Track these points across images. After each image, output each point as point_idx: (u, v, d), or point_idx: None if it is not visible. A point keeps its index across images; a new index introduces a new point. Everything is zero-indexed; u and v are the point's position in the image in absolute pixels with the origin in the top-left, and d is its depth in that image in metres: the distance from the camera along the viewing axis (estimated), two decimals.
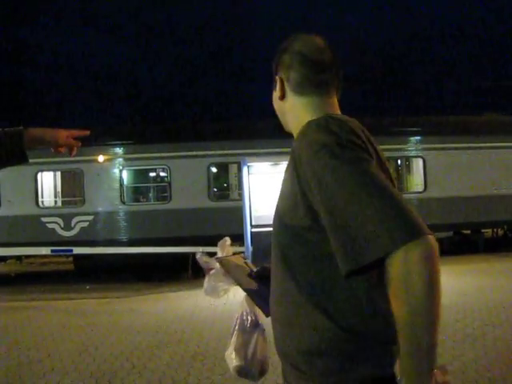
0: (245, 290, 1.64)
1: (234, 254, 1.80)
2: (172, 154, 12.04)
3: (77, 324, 7.34)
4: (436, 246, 1.08)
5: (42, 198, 12.69)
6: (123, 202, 12.15)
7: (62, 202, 13.28)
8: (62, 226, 11.98)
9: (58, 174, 13.09)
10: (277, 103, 1.49)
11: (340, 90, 1.46)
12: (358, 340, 1.18)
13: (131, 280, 11.36)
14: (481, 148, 12.71)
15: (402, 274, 1.06)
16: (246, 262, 1.79)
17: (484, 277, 9.57)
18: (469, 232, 13.52)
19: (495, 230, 14.77)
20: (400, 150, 12.57)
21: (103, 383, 4.71)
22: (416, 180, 13.32)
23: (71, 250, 11.46)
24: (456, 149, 12.64)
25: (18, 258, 13.70)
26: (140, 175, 13.54)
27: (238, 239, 11.48)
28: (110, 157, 12.14)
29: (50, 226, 12.08)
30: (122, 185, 12.18)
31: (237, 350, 1.60)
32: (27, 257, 13.94)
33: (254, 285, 1.64)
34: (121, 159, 12.20)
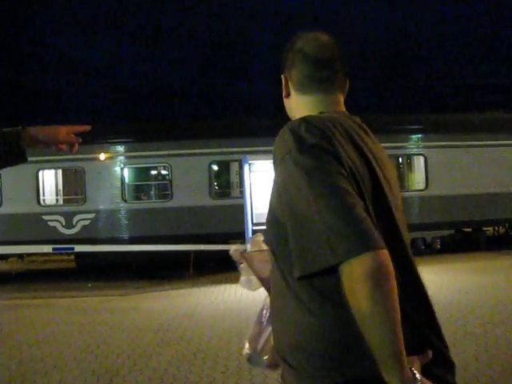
0: (264, 284, 1.68)
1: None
2: (173, 152, 12.05)
3: (78, 322, 7.35)
4: (385, 261, 1.07)
5: (44, 196, 12.70)
6: (124, 200, 12.17)
7: (64, 200, 13.30)
8: (64, 224, 12.00)
9: (60, 172, 13.11)
10: (284, 101, 1.50)
11: (346, 86, 1.45)
12: (343, 341, 1.17)
13: (133, 278, 11.38)
14: (483, 146, 12.70)
15: (347, 288, 1.08)
16: None
17: (485, 275, 9.56)
18: (470, 230, 13.51)
19: (496, 227, 14.76)
20: (401, 147, 12.56)
21: (105, 381, 4.72)
22: (417, 178, 13.32)
23: (72, 248, 11.47)
24: (458, 146, 12.63)
25: (20, 256, 13.73)
26: (141, 173, 13.56)
27: (239, 237, 11.49)
28: (111, 155, 12.15)
29: (51, 224, 12.09)
30: (123, 183, 12.19)
31: (250, 340, 1.69)
32: (29, 255, 13.98)
33: None
34: (122, 157, 12.21)
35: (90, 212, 12.00)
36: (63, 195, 13.35)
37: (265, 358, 1.67)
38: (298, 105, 1.43)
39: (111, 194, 12.08)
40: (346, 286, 1.08)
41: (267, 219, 1.33)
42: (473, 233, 13.42)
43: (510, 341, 5.41)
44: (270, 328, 1.69)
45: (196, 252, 11.41)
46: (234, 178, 13.13)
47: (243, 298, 8.53)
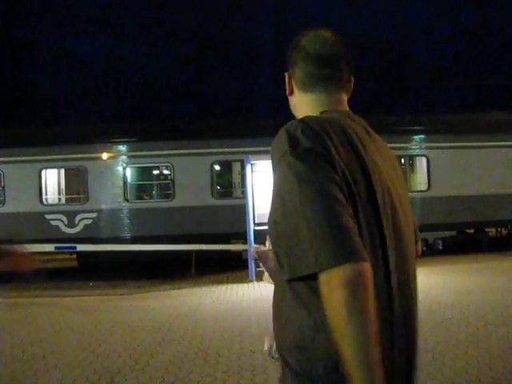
0: (274, 281, 1.70)
1: None
2: (175, 152, 12.07)
3: (80, 321, 7.36)
4: (364, 273, 1.07)
5: (46, 195, 12.72)
6: (127, 200, 12.18)
7: (66, 199, 13.32)
8: (66, 223, 12.02)
9: (62, 171, 13.13)
10: (289, 99, 1.49)
11: (350, 85, 1.44)
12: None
13: (134, 277, 11.38)
14: (485, 147, 12.68)
15: (324, 296, 1.09)
16: None
17: (488, 276, 9.55)
18: (472, 231, 13.49)
19: (499, 229, 14.74)
20: (403, 148, 12.54)
21: (106, 380, 4.73)
22: (419, 179, 13.30)
23: (75, 247, 11.49)
24: (460, 147, 12.61)
25: None
26: (143, 173, 13.57)
27: (241, 237, 11.49)
28: (113, 154, 12.17)
29: (53, 223, 12.12)
30: (125, 182, 12.21)
31: (268, 335, 1.75)
32: (31, 254, 13.99)
33: None
34: (124, 157, 12.23)
35: (92, 211, 12.01)
36: (66, 194, 13.37)
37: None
38: (301, 103, 1.43)
39: (113, 194, 12.10)
40: (323, 294, 1.09)
41: (268, 219, 1.33)
42: (475, 234, 13.40)
43: (511, 342, 5.40)
44: None
45: (198, 252, 11.41)
46: (236, 178, 13.15)
47: (244, 298, 8.54)
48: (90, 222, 12.00)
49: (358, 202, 1.18)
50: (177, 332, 6.37)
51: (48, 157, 12.31)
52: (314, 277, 1.12)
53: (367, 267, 1.08)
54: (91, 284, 10.98)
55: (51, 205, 12.71)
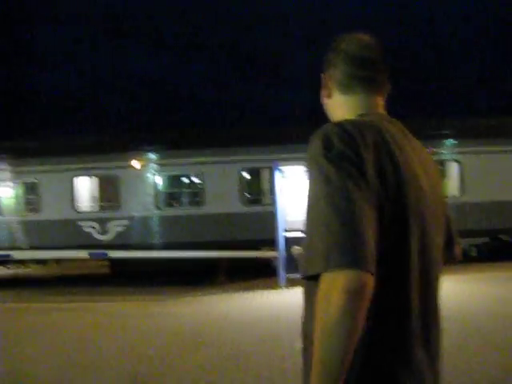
0: None
1: None
2: (205, 160, 12.21)
3: (112, 326, 7.49)
4: (367, 285, 1.07)
5: (79, 202, 13.01)
6: (158, 207, 12.37)
7: (99, 207, 13.59)
8: (98, 230, 12.27)
9: (95, 179, 13.42)
10: (325, 101, 1.50)
11: (387, 88, 1.45)
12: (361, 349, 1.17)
13: (165, 283, 11.51)
14: None
15: (321, 296, 1.08)
16: None
17: None
18: (507, 237, 13.16)
19: None
20: (435, 153, 12.36)
21: (139, 383, 4.80)
22: (452, 184, 13.07)
23: (106, 254, 11.70)
24: (493, 152, 12.36)
25: (57, 260, 14.09)
26: (174, 180, 13.75)
27: (270, 244, 11.51)
28: (144, 162, 12.39)
29: (86, 229, 12.38)
30: (156, 190, 12.40)
31: (301, 337, 1.76)
32: (64, 260, 14.31)
33: None
34: (155, 165, 12.43)
35: (124, 218, 12.24)
36: (98, 202, 13.65)
37: None
38: (340, 105, 1.44)
39: (145, 201, 12.30)
40: (320, 291, 1.09)
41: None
42: (510, 240, 13.07)
43: None
44: None
45: (227, 258, 11.48)
46: (264, 185, 13.18)
47: (274, 304, 8.54)
48: (121, 228, 12.22)
49: (387, 206, 1.18)
50: (207, 337, 6.41)
51: (81, 165, 12.63)
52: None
53: (371, 281, 1.08)
54: (123, 290, 11.14)
55: (84, 212, 12.99)
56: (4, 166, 13.24)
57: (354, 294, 1.05)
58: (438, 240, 1.34)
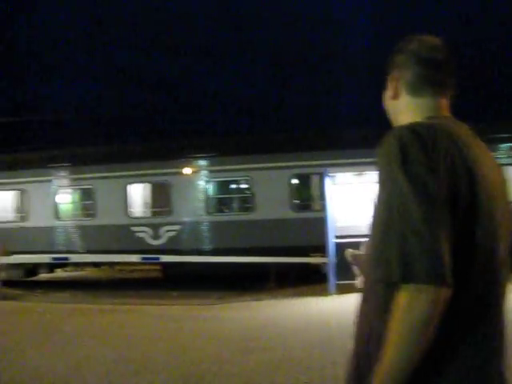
0: None
1: None
2: (255, 166, 12.31)
3: (165, 328, 7.65)
4: (446, 298, 1.12)
5: (132, 208, 13.39)
6: (208, 213, 12.56)
7: (151, 213, 13.94)
8: (151, 234, 12.58)
9: (147, 185, 13.78)
10: (389, 103, 1.50)
11: (453, 91, 1.45)
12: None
13: (215, 288, 11.65)
14: None
15: (403, 306, 1.12)
16: None
17: None
18: None
19: None
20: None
21: None
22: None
23: (159, 258, 11.97)
24: None
25: (110, 264, 14.53)
26: (224, 186, 13.92)
27: (319, 250, 11.44)
28: (195, 169, 12.63)
29: (139, 234, 12.72)
30: (207, 196, 12.61)
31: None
32: (118, 263, 14.74)
33: None
34: (206, 171, 12.65)
35: (175, 224, 12.51)
36: (150, 208, 14.00)
37: None
38: (407, 107, 1.43)
39: (195, 207, 12.53)
40: (400, 302, 1.13)
41: (371, 223, 1.35)
42: None
43: None
44: None
45: (277, 264, 11.50)
46: (314, 191, 13.14)
47: (324, 311, 8.49)
48: (173, 234, 12.49)
49: (460, 212, 1.18)
50: (258, 342, 6.44)
51: (134, 172, 13.02)
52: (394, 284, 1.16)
53: (449, 294, 1.12)
54: (175, 294, 11.36)
55: (137, 217, 13.36)
56: (62, 172, 13.82)
57: (435, 307, 1.11)
58: (504, 246, 1.32)
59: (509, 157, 12.19)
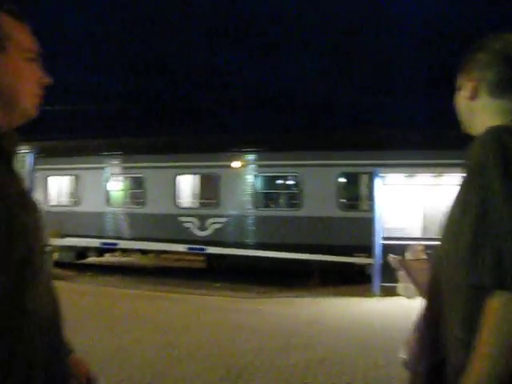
0: (420, 291, 1.71)
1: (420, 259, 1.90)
2: (304, 162, 12.28)
3: (208, 318, 7.77)
4: None
5: (181, 199, 13.63)
6: (255, 207, 12.63)
7: (199, 204, 14.15)
8: (198, 225, 12.78)
9: (197, 177, 13.99)
10: (464, 103, 1.44)
11: None
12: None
13: (258, 282, 11.72)
14: None
15: (500, 313, 1.09)
16: None
17: None
18: None
19: None
20: None
21: (234, 375, 4.94)
22: None
23: (204, 249, 12.15)
24: None
25: (157, 252, 14.87)
26: (272, 182, 13.96)
27: (364, 251, 11.32)
28: (244, 163, 12.72)
29: (186, 225, 12.94)
30: (254, 190, 12.68)
31: (405, 345, 1.73)
32: (164, 252, 15.04)
33: None
34: (255, 165, 12.72)
35: (222, 216, 12.65)
36: (198, 199, 14.22)
37: None
38: (487, 109, 1.38)
39: (243, 201, 12.63)
40: (494, 307, 1.10)
41: (446, 226, 1.32)
42: None
43: None
44: None
45: (321, 262, 11.46)
46: (363, 191, 12.99)
47: (368, 312, 8.40)
48: (219, 226, 12.64)
49: None
50: (300, 338, 6.45)
51: (184, 163, 13.25)
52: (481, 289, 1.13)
53: None
54: (217, 285, 11.50)
55: (185, 208, 13.59)
56: (115, 161, 14.22)
57: None
58: None
59: None
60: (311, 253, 11.39)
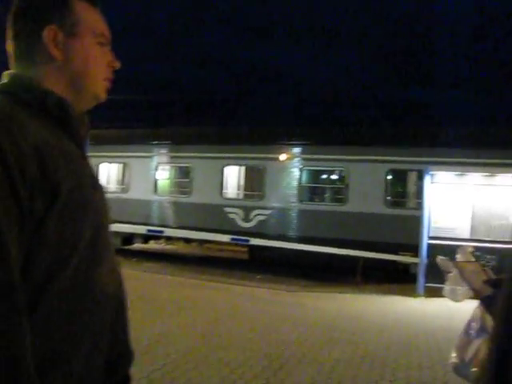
0: (477, 294, 1.68)
1: (470, 261, 1.87)
2: (351, 158, 12.14)
3: (250, 309, 7.84)
4: None
5: (226, 189, 13.76)
6: (299, 200, 12.60)
7: (244, 195, 14.25)
8: (242, 217, 12.87)
9: (243, 168, 14.07)
10: None
11: None
12: None
13: (299, 276, 11.71)
14: None
15: None
16: (484, 269, 1.83)
17: None
18: None
19: None
20: None
21: (276, 366, 4.98)
22: None
23: (248, 240, 12.24)
24: None
25: (200, 241, 15.07)
26: (318, 176, 13.89)
27: (409, 249, 11.12)
28: (290, 156, 12.69)
29: (230, 216, 13.06)
30: (299, 183, 12.65)
31: (456, 350, 1.71)
32: (207, 241, 15.21)
33: (488, 291, 1.65)
34: (301, 159, 12.67)
35: (266, 208, 12.68)
36: (243, 190, 14.30)
37: (473, 369, 1.67)
38: None
39: (287, 194, 12.62)
40: None
41: None
42: None
43: None
44: (480, 340, 1.67)
45: (365, 259, 11.34)
46: (411, 188, 12.73)
47: (412, 312, 8.27)
48: (263, 218, 12.68)
49: None
50: (343, 334, 6.42)
51: (231, 154, 13.34)
52: None
53: None
54: (259, 277, 11.57)
55: (230, 199, 13.71)
56: (163, 150, 14.48)
57: None
58: None
59: None
60: (355, 249, 11.29)
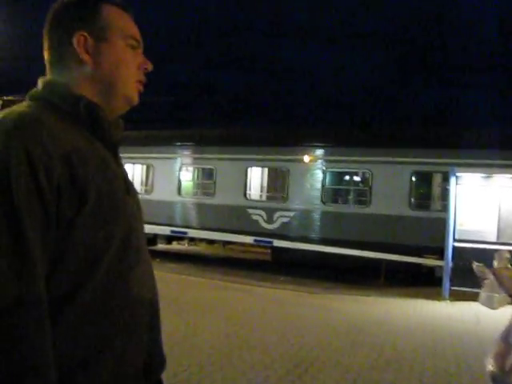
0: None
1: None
2: (375, 159, 12.05)
3: (274, 310, 7.85)
4: None
5: (250, 191, 13.80)
6: (323, 202, 12.57)
7: (267, 197, 14.27)
8: (265, 218, 12.89)
9: (266, 170, 14.10)
10: None
11: None
12: None
13: (322, 278, 11.66)
14: None
15: None
16: None
17: None
18: None
19: None
20: None
21: (300, 369, 4.98)
22: None
23: (271, 242, 12.24)
24: None
25: (224, 242, 15.15)
26: (341, 177, 13.84)
27: (434, 252, 11.00)
28: (314, 158, 12.66)
29: (254, 217, 13.09)
30: (323, 185, 12.61)
31: (494, 358, 1.69)
32: (229, 243, 15.28)
33: None
34: (324, 161, 12.63)
35: (289, 210, 12.68)
36: (267, 192, 14.33)
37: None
38: None
39: (311, 195, 12.59)
40: None
41: None
42: None
43: None
44: None
45: (388, 261, 11.24)
46: (435, 190, 12.58)
47: (437, 316, 8.18)
48: (286, 219, 12.68)
49: None
50: (367, 337, 6.39)
51: (254, 156, 13.38)
52: None
53: None
54: (282, 278, 11.56)
55: (253, 200, 13.75)
56: (186, 151, 14.59)
57: None
58: None
59: None
60: (378, 251, 11.20)
